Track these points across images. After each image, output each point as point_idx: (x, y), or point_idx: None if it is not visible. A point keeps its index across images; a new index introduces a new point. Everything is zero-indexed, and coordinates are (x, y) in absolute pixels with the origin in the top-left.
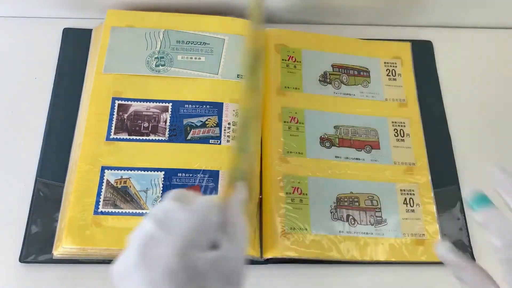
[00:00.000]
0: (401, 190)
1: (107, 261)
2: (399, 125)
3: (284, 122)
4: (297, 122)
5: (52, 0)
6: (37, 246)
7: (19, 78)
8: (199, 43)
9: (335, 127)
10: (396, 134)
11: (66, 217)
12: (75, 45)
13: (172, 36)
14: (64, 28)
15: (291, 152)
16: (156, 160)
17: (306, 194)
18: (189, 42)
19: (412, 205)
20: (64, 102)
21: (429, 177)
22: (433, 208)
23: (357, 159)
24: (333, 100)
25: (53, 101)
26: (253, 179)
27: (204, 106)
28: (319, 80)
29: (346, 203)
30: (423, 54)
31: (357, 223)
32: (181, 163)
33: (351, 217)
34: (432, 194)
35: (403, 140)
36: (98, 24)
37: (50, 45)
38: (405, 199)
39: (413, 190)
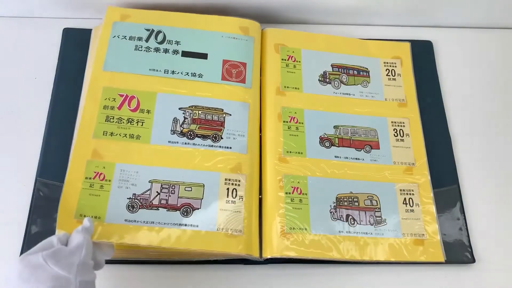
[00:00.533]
0: (400, 190)
1: (106, 261)
2: (398, 125)
3: (284, 122)
4: (296, 122)
5: (52, 0)
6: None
7: (19, 78)
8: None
9: (334, 127)
10: (395, 134)
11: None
12: (75, 45)
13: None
14: (64, 28)
15: (290, 152)
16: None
17: (306, 194)
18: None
19: (411, 205)
20: (64, 102)
21: (429, 177)
22: (432, 208)
23: (356, 159)
24: (333, 100)
25: (53, 101)
26: (252, 179)
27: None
28: (319, 80)
29: (345, 203)
30: (423, 54)
31: (357, 223)
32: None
33: (350, 217)
34: (432, 194)
35: (402, 140)
36: (98, 24)
37: (50, 45)
38: (405, 199)
39: (412, 190)
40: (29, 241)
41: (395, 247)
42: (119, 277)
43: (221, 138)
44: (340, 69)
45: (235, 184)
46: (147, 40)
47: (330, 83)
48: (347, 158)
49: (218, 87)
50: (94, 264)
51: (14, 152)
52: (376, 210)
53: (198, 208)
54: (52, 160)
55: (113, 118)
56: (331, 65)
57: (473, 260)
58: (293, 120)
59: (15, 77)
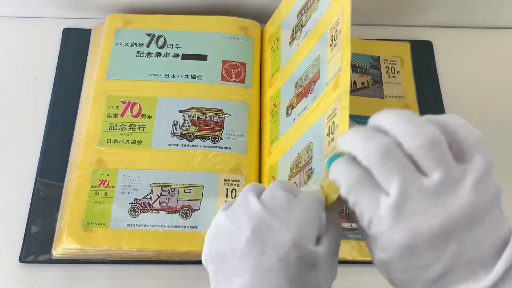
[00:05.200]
0: None
1: (107, 261)
2: None
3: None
4: None
5: (52, 0)
6: (37, 246)
7: (19, 78)
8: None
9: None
10: None
11: (66, 217)
12: (75, 45)
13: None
14: (64, 28)
15: None
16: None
17: None
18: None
19: None
20: (64, 102)
21: None
22: None
23: None
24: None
25: (53, 101)
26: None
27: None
28: None
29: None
30: (423, 54)
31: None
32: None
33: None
34: None
35: None
36: (98, 24)
37: (50, 45)
38: None
39: None
40: (29, 241)
41: None
42: (118, 277)
43: (221, 138)
44: None
45: (235, 185)
46: (148, 46)
47: None
48: None
49: (218, 88)
50: None
51: (14, 152)
52: None
53: (197, 210)
54: (52, 160)
55: (116, 126)
56: None
57: None
58: None
59: (15, 77)
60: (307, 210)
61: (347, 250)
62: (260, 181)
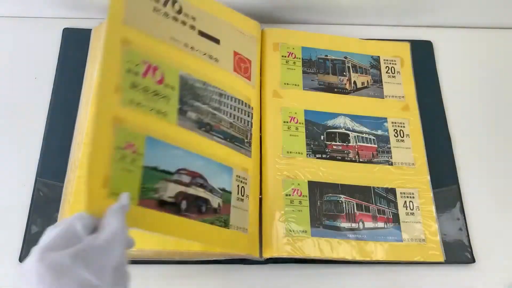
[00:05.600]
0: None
1: None
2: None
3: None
4: (297, 122)
5: (52, 0)
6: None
7: (19, 78)
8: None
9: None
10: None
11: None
12: (75, 45)
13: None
14: (64, 28)
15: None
16: None
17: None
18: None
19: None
20: (64, 102)
21: (428, 178)
22: (432, 208)
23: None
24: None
25: (53, 101)
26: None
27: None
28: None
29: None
30: (423, 54)
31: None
32: None
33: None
34: (432, 195)
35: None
36: (97, 24)
37: (50, 45)
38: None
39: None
40: (29, 241)
41: (395, 248)
42: None
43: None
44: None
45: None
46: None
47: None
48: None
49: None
50: None
51: (14, 152)
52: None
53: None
54: (52, 160)
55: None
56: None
57: (473, 260)
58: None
59: (15, 77)
60: (59, 229)
61: (347, 250)
62: (261, 181)
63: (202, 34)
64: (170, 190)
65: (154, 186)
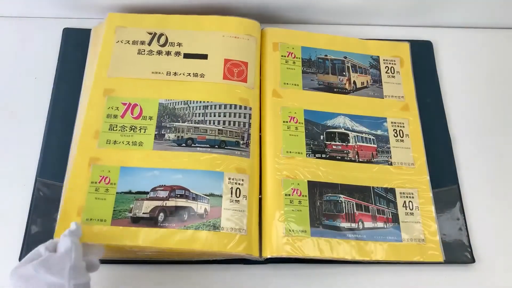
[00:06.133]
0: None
1: (106, 261)
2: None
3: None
4: (296, 122)
5: (52, 0)
6: (37, 246)
7: (19, 78)
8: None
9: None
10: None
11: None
12: (75, 45)
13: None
14: (64, 28)
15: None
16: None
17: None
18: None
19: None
20: (64, 102)
21: (428, 178)
22: (432, 208)
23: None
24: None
25: (53, 101)
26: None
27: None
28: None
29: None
30: (422, 54)
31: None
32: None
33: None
34: (431, 195)
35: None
36: (97, 24)
37: (50, 45)
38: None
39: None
40: (29, 241)
41: (395, 248)
42: (118, 277)
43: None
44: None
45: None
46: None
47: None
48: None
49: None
50: (87, 266)
51: (14, 152)
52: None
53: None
54: (52, 160)
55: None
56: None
57: (473, 260)
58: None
59: (15, 77)
60: (29, 255)
61: (347, 250)
62: (260, 181)
63: (187, 56)
64: (145, 207)
65: (128, 207)
